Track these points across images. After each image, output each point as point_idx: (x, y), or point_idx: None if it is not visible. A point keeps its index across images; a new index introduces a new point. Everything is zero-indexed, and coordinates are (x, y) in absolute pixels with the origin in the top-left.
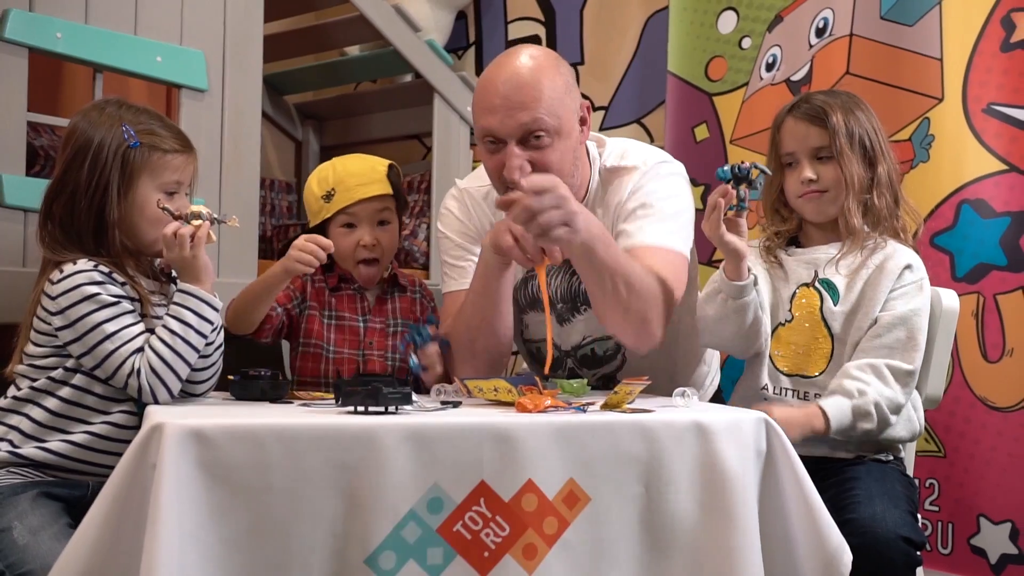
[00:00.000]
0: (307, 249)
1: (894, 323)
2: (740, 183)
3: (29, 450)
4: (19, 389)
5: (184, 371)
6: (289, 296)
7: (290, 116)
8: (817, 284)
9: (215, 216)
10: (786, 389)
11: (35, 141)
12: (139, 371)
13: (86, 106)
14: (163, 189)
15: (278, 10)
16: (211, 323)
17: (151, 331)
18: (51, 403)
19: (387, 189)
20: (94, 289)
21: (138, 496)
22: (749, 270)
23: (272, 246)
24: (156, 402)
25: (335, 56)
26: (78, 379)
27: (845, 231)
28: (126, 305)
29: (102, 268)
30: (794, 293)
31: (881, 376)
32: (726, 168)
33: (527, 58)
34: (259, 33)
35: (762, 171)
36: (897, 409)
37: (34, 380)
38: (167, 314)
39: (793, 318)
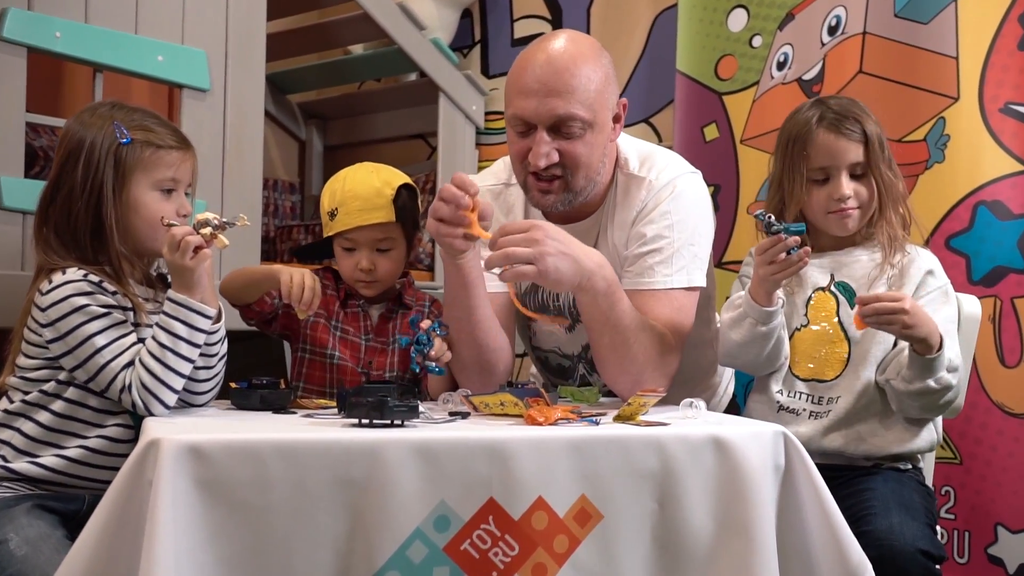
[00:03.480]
0: (294, 290)
1: None
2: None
3: (22, 465)
4: (11, 402)
5: (178, 383)
6: None
7: (294, 115)
8: (833, 288)
9: (224, 221)
10: (801, 393)
11: (35, 142)
12: (130, 386)
13: (81, 109)
14: (158, 187)
15: (281, 8)
16: (203, 332)
17: (144, 340)
18: (44, 417)
19: (389, 217)
20: (83, 300)
21: (134, 514)
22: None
23: (275, 247)
24: (152, 415)
25: (339, 55)
26: (71, 392)
27: (887, 244)
28: (117, 315)
29: (91, 277)
30: (809, 298)
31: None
32: (776, 223)
33: (569, 43)
34: (262, 32)
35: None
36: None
37: (26, 393)
38: (156, 325)
39: (808, 322)
